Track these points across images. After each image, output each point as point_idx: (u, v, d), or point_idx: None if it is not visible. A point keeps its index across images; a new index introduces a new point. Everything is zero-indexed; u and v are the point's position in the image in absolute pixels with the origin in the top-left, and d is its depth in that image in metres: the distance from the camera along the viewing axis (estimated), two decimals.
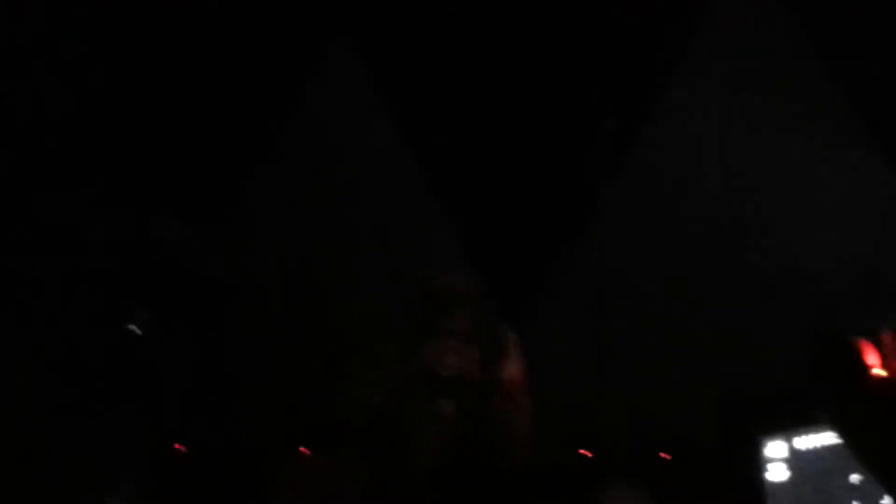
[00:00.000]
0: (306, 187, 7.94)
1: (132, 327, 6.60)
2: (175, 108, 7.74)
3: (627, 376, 6.67)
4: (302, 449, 5.21)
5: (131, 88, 7.70)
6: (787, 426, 5.90)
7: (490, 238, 6.92)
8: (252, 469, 5.33)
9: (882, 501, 5.40)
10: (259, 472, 5.16)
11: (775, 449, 5.82)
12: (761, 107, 7.36)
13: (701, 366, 7.21)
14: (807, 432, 5.85)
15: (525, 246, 6.97)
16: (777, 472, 5.80)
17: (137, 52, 7.76)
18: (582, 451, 6.44)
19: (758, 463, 5.61)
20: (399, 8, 7.54)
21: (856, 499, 5.67)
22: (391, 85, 7.45)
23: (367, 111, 7.64)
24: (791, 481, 5.82)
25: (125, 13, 7.78)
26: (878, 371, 2.33)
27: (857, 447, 2.33)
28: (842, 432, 2.37)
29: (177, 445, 5.82)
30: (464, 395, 4.70)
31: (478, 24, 7.40)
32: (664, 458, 6.83)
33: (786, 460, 5.80)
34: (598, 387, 4.89)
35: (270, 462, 5.05)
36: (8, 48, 7.55)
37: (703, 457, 6.87)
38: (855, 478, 5.62)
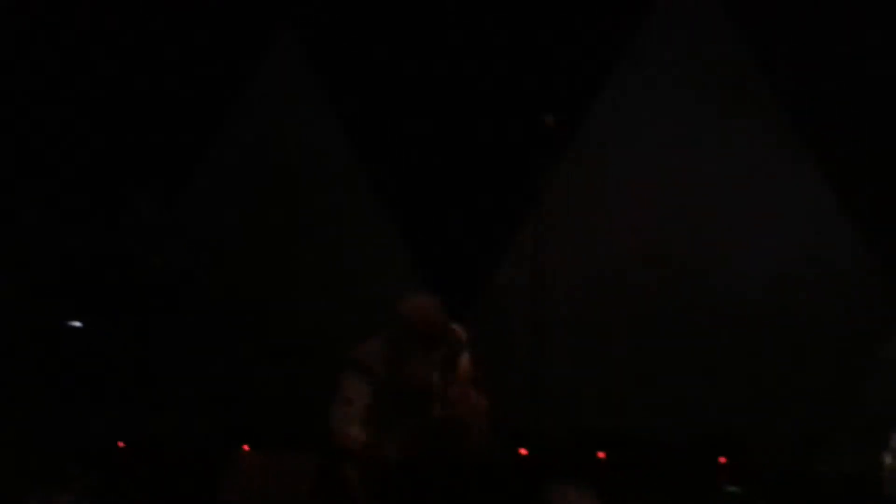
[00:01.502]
0: (247, 182, 7.94)
1: (73, 323, 6.59)
2: (123, 98, 7.75)
3: (564, 377, 6.78)
4: (246, 447, 5.25)
5: (79, 81, 7.70)
6: None
7: (432, 237, 6.96)
8: (199, 466, 5.35)
9: None
10: (207, 470, 5.18)
11: None
12: (699, 108, 7.47)
13: (641, 364, 7.34)
14: None
15: (466, 245, 7.02)
16: None
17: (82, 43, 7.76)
18: (522, 451, 6.55)
19: None
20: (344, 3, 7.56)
21: None
22: (336, 81, 7.45)
23: (311, 107, 7.65)
24: None
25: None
26: None
27: None
28: None
29: (120, 443, 5.82)
30: (428, 401, 4.85)
31: (424, 20, 7.43)
32: (601, 458, 6.97)
33: None
34: (535, 386, 4.98)
35: (218, 460, 5.08)
36: None
37: (641, 454, 7.03)
38: None
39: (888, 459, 5.90)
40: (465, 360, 4.99)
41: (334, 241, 7.51)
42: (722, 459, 7.04)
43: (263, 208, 7.72)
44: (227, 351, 7.37)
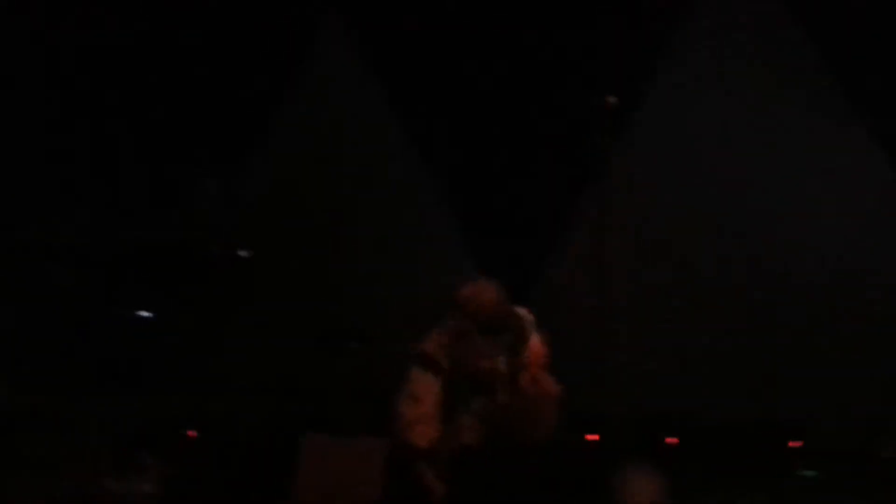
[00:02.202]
0: (300, 170, 7.96)
1: (141, 313, 6.64)
2: (179, 84, 7.79)
3: (631, 363, 6.74)
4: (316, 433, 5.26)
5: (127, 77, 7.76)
6: None
7: (491, 228, 6.92)
8: (270, 453, 5.37)
9: None
10: (276, 456, 5.20)
11: None
12: (756, 94, 7.39)
13: (707, 351, 7.28)
14: None
15: (525, 235, 6.99)
16: None
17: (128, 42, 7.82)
18: (590, 437, 6.52)
19: None
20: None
21: None
22: (391, 67, 7.44)
23: (369, 94, 7.65)
24: None
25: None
26: None
27: None
28: None
29: (190, 433, 5.86)
30: (496, 389, 4.82)
31: (473, 14, 7.41)
32: (671, 444, 6.92)
33: None
34: (601, 374, 4.95)
35: (287, 446, 5.09)
36: None
37: (711, 439, 6.98)
38: None
39: None
40: (534, 342, 4.96)
41: (393, 229, 7.51)
42: (795, 444, 6.98)
43: (320, 195, 7.72)
44: (289, 337, 7.40)
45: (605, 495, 4.86)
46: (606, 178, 5.04)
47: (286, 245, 7.81)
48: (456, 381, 4.81)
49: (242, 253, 6.94)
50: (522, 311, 5.02)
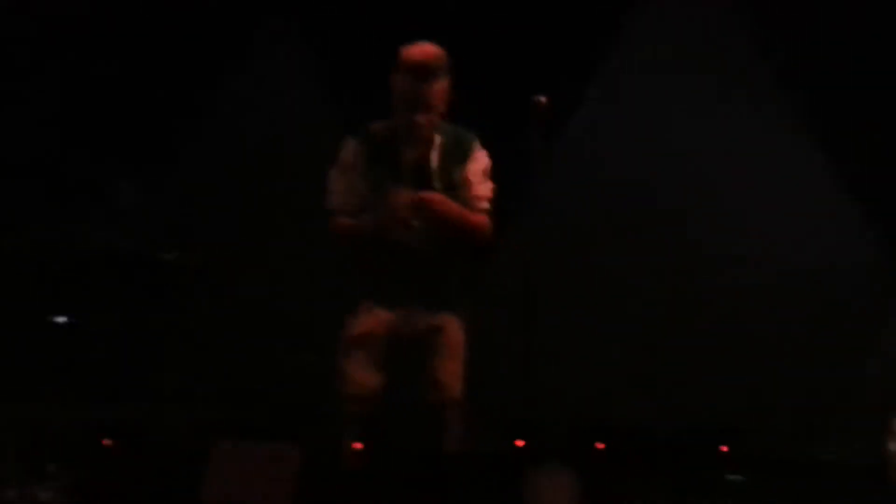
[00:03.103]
0: (243, 156, 7.88)
1: (58, 319, 6.52)
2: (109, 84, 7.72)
3: (560, 369, 6.68)
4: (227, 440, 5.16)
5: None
6: None
7: None
8: (182, 459, 5.28)
9: None
10: (190, 462, 5.09)
11: None
12: (702, 94, 7.38)
13: (638, 356, 7.25)
14: None
15: None
16: None
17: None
18: (518, 443, 6.44)
19: None
20: None
21: None
22: (328, 66, 7.38)
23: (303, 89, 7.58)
24: None
25: None
26: None
27: None
28: None
29: (105, 441, 5.76)
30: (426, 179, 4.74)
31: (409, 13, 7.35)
32: (599, 449, 6.89)
33: None
34: (529, 379, 4.89)
35: (200, 454, 4.98)
36: None
37: (640, 445, 6.94)
38: None
39: (891, 445, 5.82)
40: (479, 154, 4.84)
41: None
42: (723, 448, 6.96)
43: (251, 197, 7.64)
44: (211, 344, 7.32)
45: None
46: (536, 181, 4.95)
47: (218, 249, 7.73)
48: (387, 160, 4.73)
49: (168, 256, 6.81)
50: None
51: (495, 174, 6.72)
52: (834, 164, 7.21)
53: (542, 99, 4.89)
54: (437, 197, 4.75)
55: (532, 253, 4.89)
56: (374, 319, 4.82)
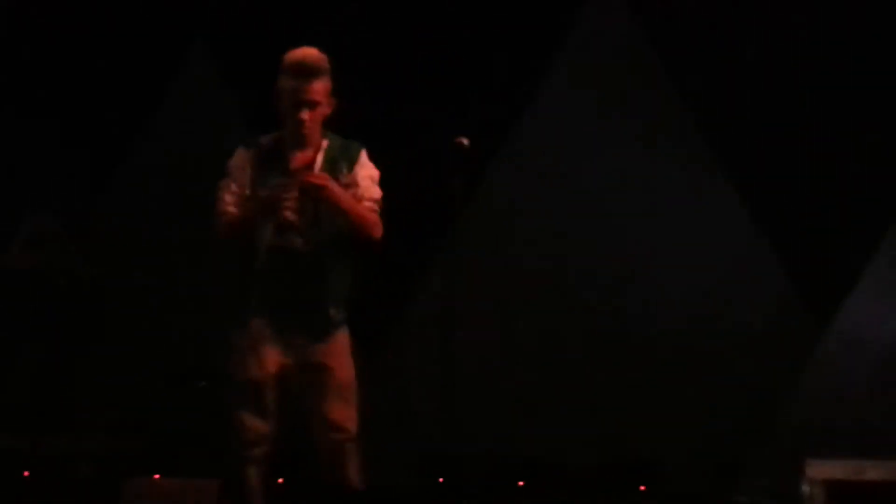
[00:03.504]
0: (163, 190, 7.84)
1: None
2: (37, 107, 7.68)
3: (478, 405, 6.72)
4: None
5: None
6: None
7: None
8: (96, 493, 5.22)
9: None
10: (106, 494, 5.05)
11: None
12: (615, 130, 7.47)
13: (555, 390, 7.29)
14: None
15: (378, 274, 6.96)
16: None
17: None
18: (439, 479, 6.48)
19: None
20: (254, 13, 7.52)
21: None
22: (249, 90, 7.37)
23: (225, 116, 7.57)
24: None
25: None
26: None
27: None
28: None
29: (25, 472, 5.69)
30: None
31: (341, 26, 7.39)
32: (519, 486, 6.92)
33: None
34: (448, 415, 4.90)
35: (119, 484, 4.95)
36: None
37: (558, 482, 6.98)
38: None
39: (805, 488, 5.90)
40: (367, 162, 4.90)
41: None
42: (641, 487, 7.02)
43: (179, 224, 7.60)
44: (138, 373, 7.26)
45: None
46: (459, 221, 4.99)
47: (142, 276, 7.70)
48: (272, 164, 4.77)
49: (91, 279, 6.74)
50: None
51: (417, 213, 6.81)
52: (747, 203, 7.34)
53: (465, 141, 4.93)
54: (326, 177, 4.80)
55: (452, 290, 4.91)
56: (260, 363, 4.80)
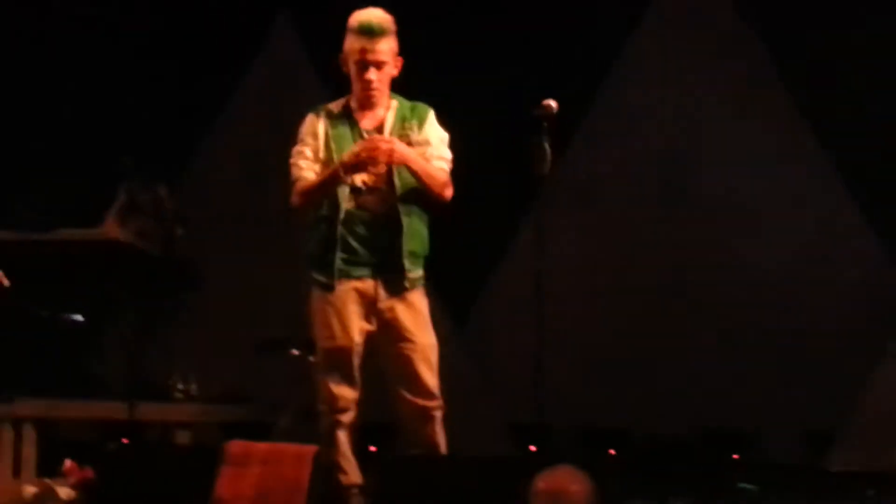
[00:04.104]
0: (252, 159, 7.92)
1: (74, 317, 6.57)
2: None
3: (571, 375, 6.71)
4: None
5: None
6: None
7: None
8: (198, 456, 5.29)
9: None
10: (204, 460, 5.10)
11: None
12: (704, 98, 7.39)
13: (648, 361, 7.25)
14: None
15: (466, 243, 6.97)
16: None
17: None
18: (531, 448, 6.47)
19: None
20: None
21: None
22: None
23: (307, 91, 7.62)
24: None
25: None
26: None
27: None
28: None
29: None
30: None
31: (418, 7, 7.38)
32: (611, 455, 6.89)
33: None
34: (540, 384, 4.89)
35: (216, 450, 4.99)
36: None
37: (651, 452, 6.95)
38: None
39: None
40: (435, 122, 4.90)
41: None
42: (735, 456, 6.96)
43: (260, 192, 7.68)
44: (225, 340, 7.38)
45: None
46: (547, 189, 4.96)
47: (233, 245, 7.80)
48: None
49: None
50: None
51: (505, 177, 6.79)
52: (839, 171, 7.21)
53: (552, 103, 4.91)
54: (393, 140, 4.81)
55: (541, 258, 4.89)
56: (345, 331, 4.84)
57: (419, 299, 4.91)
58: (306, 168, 4.88)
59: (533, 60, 7.36)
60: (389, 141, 4.82)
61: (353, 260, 4.85)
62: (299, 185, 4.89)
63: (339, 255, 4.85)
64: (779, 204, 7.25)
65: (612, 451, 7.01)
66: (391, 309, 4.86)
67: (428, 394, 4.86)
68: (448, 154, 4.96)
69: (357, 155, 4.80)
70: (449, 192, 4.92)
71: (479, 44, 7.49)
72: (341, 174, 4.81)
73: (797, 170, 7.28)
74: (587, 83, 7.47)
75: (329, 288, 4.86)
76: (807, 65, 7.18)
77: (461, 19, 7.59)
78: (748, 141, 7.30)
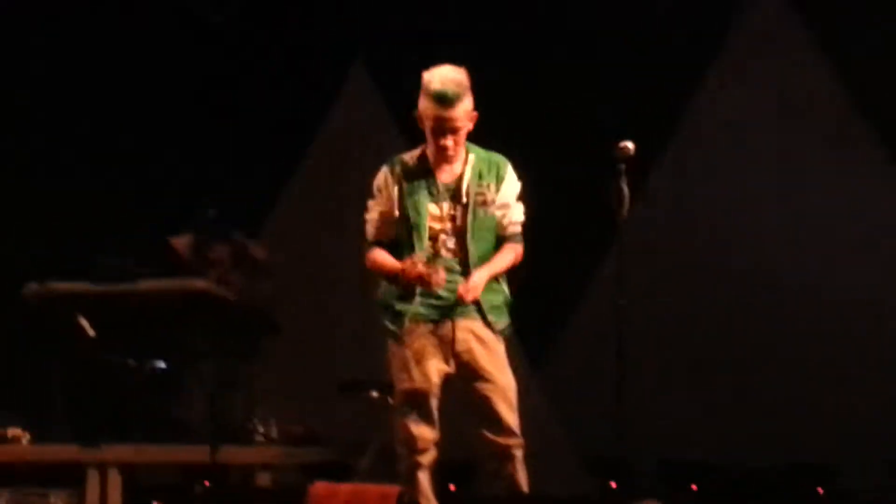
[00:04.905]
0: (331, 207, 8.02)
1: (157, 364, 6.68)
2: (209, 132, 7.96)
3: (652, 407, 6.69)
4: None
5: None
6: None
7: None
8: (280, 498, 5.35)
9: None
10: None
11: None
12: (777, 133, 7.38)
13: (728, 392, 7.22)
14: None
15: (546, 282, 7.00)
16: None
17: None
18: (612, 484, 6.46)
19: None
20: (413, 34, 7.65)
21: None
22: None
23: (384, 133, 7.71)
24: None
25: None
26: None
27: None
28: None
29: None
30: None
31: (496, 51, 7.47)
32: (693, 490, 6.85)
33: None
34: (622, 418, 4.90)
35: (299, 491, 5.05)
36: None
37: (734, 486, 6.90)
38: None
39: None
40: (512, 176, 4.94)
41: None
42: (819, 490, 6.89)
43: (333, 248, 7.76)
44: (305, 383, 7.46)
45: None
46: (625, 227, 4.99)
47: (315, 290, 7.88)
48: None
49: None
50: None
51: (583, 219, 6.82)
52: None
53: (629, 145, 4.93)
54: (477, 282, 4.85)
55: (620, 295, 4.91)
56: (424, 373, 4.89)
57: (495, 341, 4.95)
58: (376, 233, 4.97)
59: (610, 99, 7.38)
60: (471, 291, 4.83)
61: (431, 304, 4.91)
62: (369, 256, 4.98)
63: (418, 300, 4.90)
64: (862, 235, 7.22)
65: (694, 487, 6.98)
66: (469, 351, 4.90)
67: (509, 432, 4.89)
68: (522, 213, 5.00)
69: (429, 284, 4.82)
70: (520, 259, 4.98)
71: (556, 84, 7.55)
72: (402, 280, 4.87)
73: (882, 195, 7.24)
74: (664, 120, 7.49)
75: (399, 338, 4.92)
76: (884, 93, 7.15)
77: (538, 60, 7.64)
78: (832, 171, 7.28)
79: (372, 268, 4.98)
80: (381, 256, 4.94)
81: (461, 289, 4.84)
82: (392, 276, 4.90)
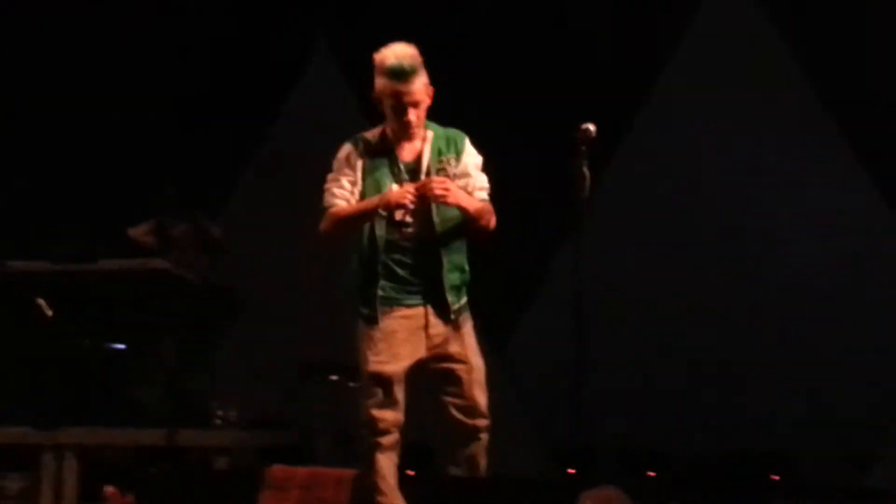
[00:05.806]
0: (293, 188, 7.97)
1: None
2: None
3: (609, 395, 6.70)
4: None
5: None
6: None
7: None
8: (237, 481, 5.32)
9: None
10: (244, 485, 5.14)
11: None
12: (742, 116, 7.39)
13: (686, 380, 7.24)
14: None
15: (509, 259, 6.99)
16: None
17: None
18: (570, 471, 6.47)
19: None
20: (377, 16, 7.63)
21: None
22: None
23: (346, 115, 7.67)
24: None
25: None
26: None
27: None
28: None
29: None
30: None
31: (457, 32, 7.45)
32: (650, 477, 6.88)
33: None
34: (579, 406, 4.90)
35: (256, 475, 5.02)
36: None
37: (689, 473, 6.93)
38: None
39: None
40: (471, 149, 4.94)
41: None
42: (774, 477, 6.93)
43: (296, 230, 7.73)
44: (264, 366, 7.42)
45: None
46: (587, 212, 4.97)
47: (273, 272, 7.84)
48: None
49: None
50: None
51: (544, 201, 6.81)
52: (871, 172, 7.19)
53: (591, 127, 4.91)
54: (446, 182, 4.85)
55: (581, 279, 4.90)
56: (394, 357, 4.87)
57: (466, 324, 4.97)
58: (339, 196, 4.92)
59: (572, 84, 7.37)
60: (443, 181, 4.85)
61: (400, 288, 4.90)
62: (331, 212, 4.92)
63: (385, 284, 4.89)
64: (821, 220, 7.24)
65: (652, 473, 7.00)
66: (441, 335, 4.91)
67: (479, 413, 4.91)
68: (486, 182, 5.00)
69: (407, 195, 4.82)
70: (493, 222, 4.96)
71: (516, 66, 7.53)
72: (381, 209, 4.85)
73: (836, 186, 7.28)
74: (626, 107, 7.50)
75: (373, 321, 4.90)
76: (838, 71, 7.18)
77: (498, 42, 7.62)
78: (791, 165, 7.30)
79: (335, 224, 4.91)
80: (348, 206, 4.91)
81: (436, 179, 4.83)
82: (367, 216, 4.86)
